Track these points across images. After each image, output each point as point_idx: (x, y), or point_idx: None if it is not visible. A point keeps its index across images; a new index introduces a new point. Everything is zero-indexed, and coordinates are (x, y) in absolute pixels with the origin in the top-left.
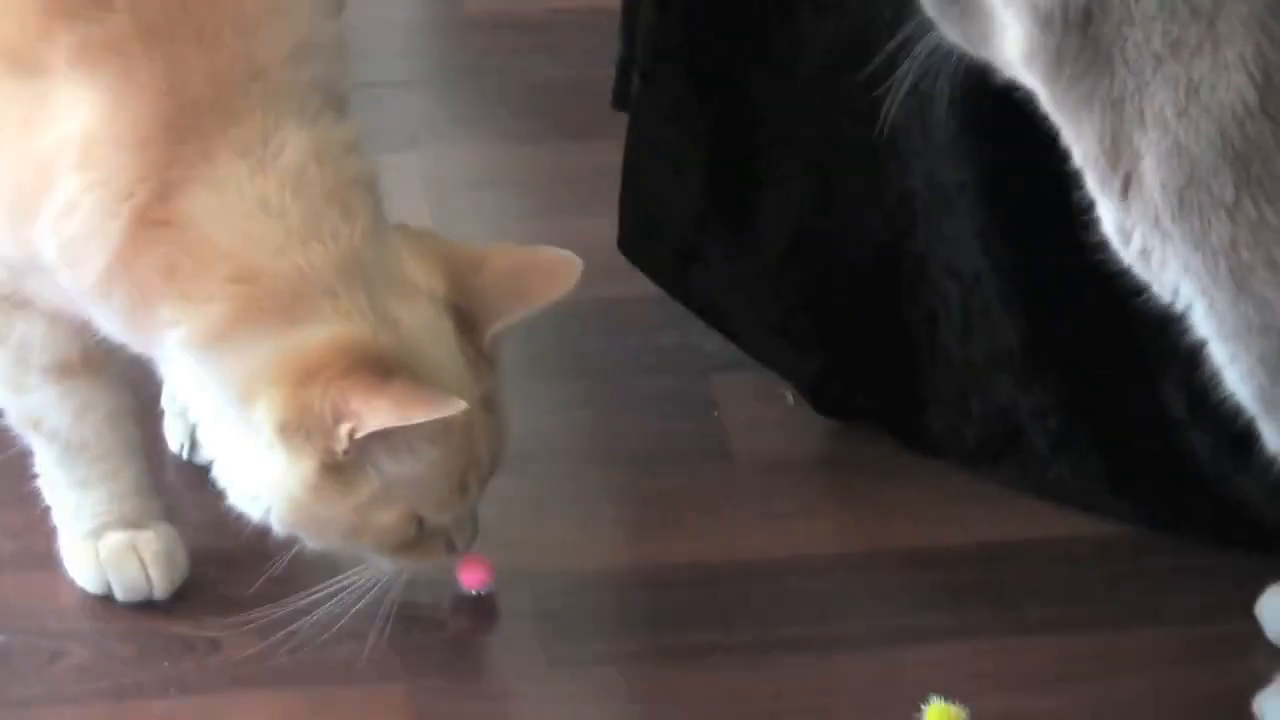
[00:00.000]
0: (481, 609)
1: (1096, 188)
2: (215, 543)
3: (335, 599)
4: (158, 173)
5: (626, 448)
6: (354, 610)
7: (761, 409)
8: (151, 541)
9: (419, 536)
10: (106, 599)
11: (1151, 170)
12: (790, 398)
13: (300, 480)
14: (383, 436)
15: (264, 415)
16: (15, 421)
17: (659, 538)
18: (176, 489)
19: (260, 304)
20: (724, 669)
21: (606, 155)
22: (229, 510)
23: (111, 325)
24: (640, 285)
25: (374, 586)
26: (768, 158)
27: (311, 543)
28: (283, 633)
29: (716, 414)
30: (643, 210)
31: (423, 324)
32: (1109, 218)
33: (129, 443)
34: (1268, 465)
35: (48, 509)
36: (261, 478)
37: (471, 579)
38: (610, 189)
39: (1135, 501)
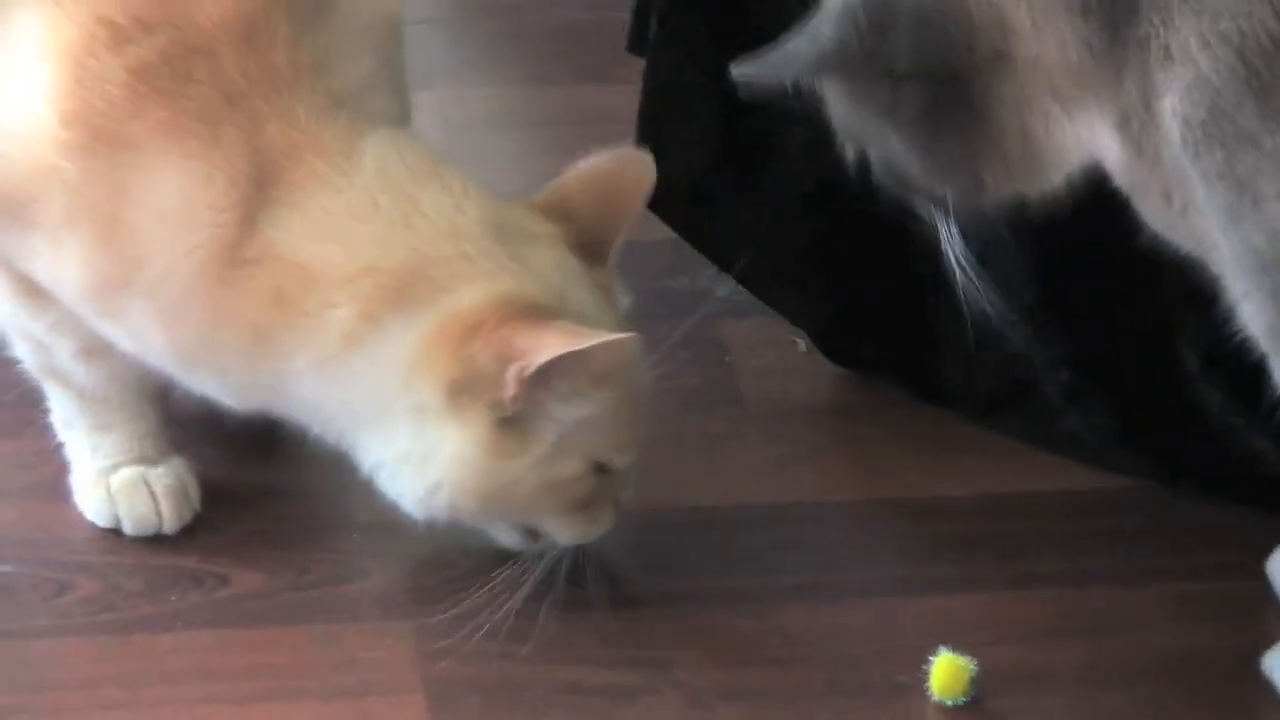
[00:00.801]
0: (489, 551)
1: (1130, 148)
2: (225, 478)
3: (513, 578)
4: (248, 220)
5: None
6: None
7: (773, 355)
8: (163, 476)
9: (597, 490)
10: (116, 532)
11: (1172, 106)
12: (802, 345)
13: (478, 443)
14: (551, 384)
15: (428, 386)
16: (37, 372)
17: (668, 482)
18: (189, 424)
19: (388, 292)
20: (731, 615)
21: (622, 99)
22: (240, 446)
23: (221, 381)
24: (654, 229)
25: (545, 559)
26: (784, 104)
27: (497, 518)
28: (291, 570)
29: (728, 359)
30: (657, 154)
31: (558, 267)
32: (1121, 169)
33: (150, 390)
34: (1276, 405)
35: (58, 441)
36: (437, 460)
37: None
38: (625, 132)
39: (1145, 456)
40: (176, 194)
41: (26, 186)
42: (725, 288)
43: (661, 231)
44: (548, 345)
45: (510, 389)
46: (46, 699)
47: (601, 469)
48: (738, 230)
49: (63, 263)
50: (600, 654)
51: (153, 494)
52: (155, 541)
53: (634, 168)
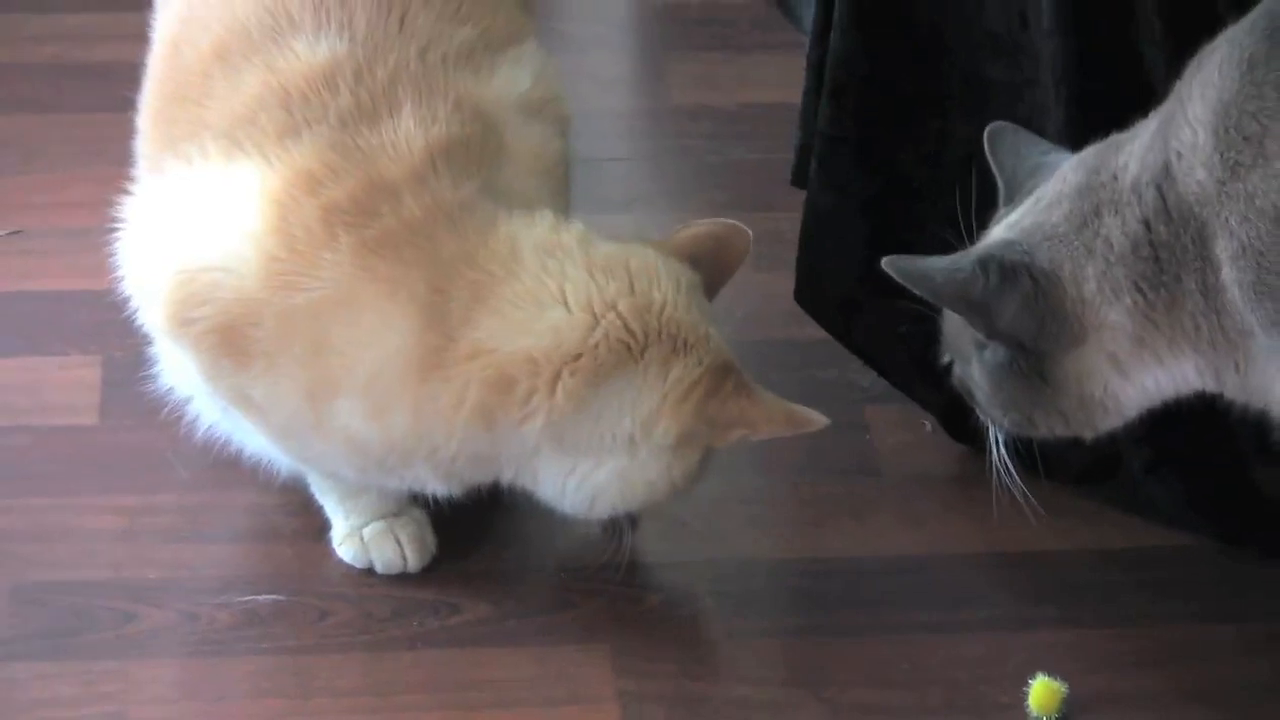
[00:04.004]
0: (674, 588)
1: (1208, 353)
2: (455, 526)
3: None
4: (441, 321)
5: (793, 462)
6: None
7: (906, 434)
8: (406, 525)
9: None
10: (367, 570)
11: (1228, 275)
12: (930, 426)
13: (686, 464)
14: None
15: (664, 432)
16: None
17: (818, 536)
18: None
19: (606, 361)
20: (868, 645)
21: (785, 223)
22: (466, 495)
23: (432, 461)
24: (809, 329)
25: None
26: (918, 227)
27: (657, 505)
28: (512, 599)
29: (868, 437)
30: (814, 268)
31: (710, 315)
32: (1206, 376)
33: None
34: None
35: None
36: (641, 480)
37: None
38: (787, 251)
39: (1211, 520)
40: (370, 307)
41: (242, 318)
42: (868, 379)
43: (816, 332)
44: (774, 424)
45: (732, 440)
46: (312, 704)
47: None
48: (879, 332)
49: (279, 386)
50: (763, 675)
51: (398, 541)
52: (400, 577)
53: (740, 237)
